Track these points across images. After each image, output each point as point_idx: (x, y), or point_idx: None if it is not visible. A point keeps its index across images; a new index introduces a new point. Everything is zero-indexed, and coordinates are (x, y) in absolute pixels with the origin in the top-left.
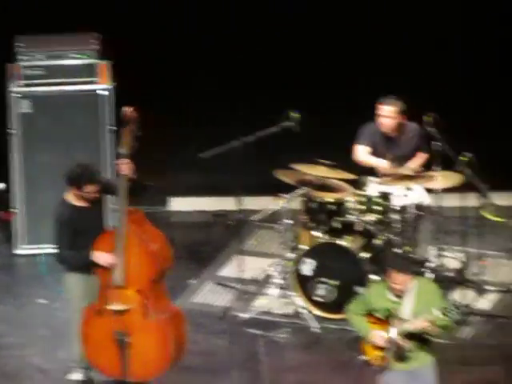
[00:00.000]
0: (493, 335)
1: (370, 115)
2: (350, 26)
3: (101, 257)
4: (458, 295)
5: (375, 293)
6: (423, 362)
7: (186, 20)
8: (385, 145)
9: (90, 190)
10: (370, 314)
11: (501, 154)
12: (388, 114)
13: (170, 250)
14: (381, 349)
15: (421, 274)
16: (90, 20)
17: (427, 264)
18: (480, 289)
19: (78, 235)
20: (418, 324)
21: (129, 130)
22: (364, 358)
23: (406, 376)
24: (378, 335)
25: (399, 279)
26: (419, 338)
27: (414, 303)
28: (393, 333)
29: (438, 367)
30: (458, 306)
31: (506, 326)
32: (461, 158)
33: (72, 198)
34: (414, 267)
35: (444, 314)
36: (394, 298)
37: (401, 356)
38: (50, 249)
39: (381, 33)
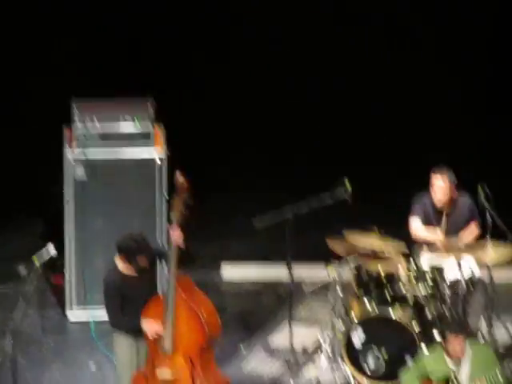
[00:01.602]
0: None
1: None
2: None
3: (149, 325)
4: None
5: (432, 358)
6: None
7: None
8: (437, 216)
9: (140, 262)
10: (424, 380)
11: None
12: (441, 182)
13: (218, 317)
14: None
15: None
16: (143, 85)
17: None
18: None
19: (127, 302)
20: None
21: (180, 199)
22: None
23: None
24: None
25: (458, 343)
26: None
27: (470, 368)
28: None
29: None
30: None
31: None
32: None
33: (121, 265)
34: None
35: (491, 380)
36: (452, 364)
37: None
38: (101, 314)
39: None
